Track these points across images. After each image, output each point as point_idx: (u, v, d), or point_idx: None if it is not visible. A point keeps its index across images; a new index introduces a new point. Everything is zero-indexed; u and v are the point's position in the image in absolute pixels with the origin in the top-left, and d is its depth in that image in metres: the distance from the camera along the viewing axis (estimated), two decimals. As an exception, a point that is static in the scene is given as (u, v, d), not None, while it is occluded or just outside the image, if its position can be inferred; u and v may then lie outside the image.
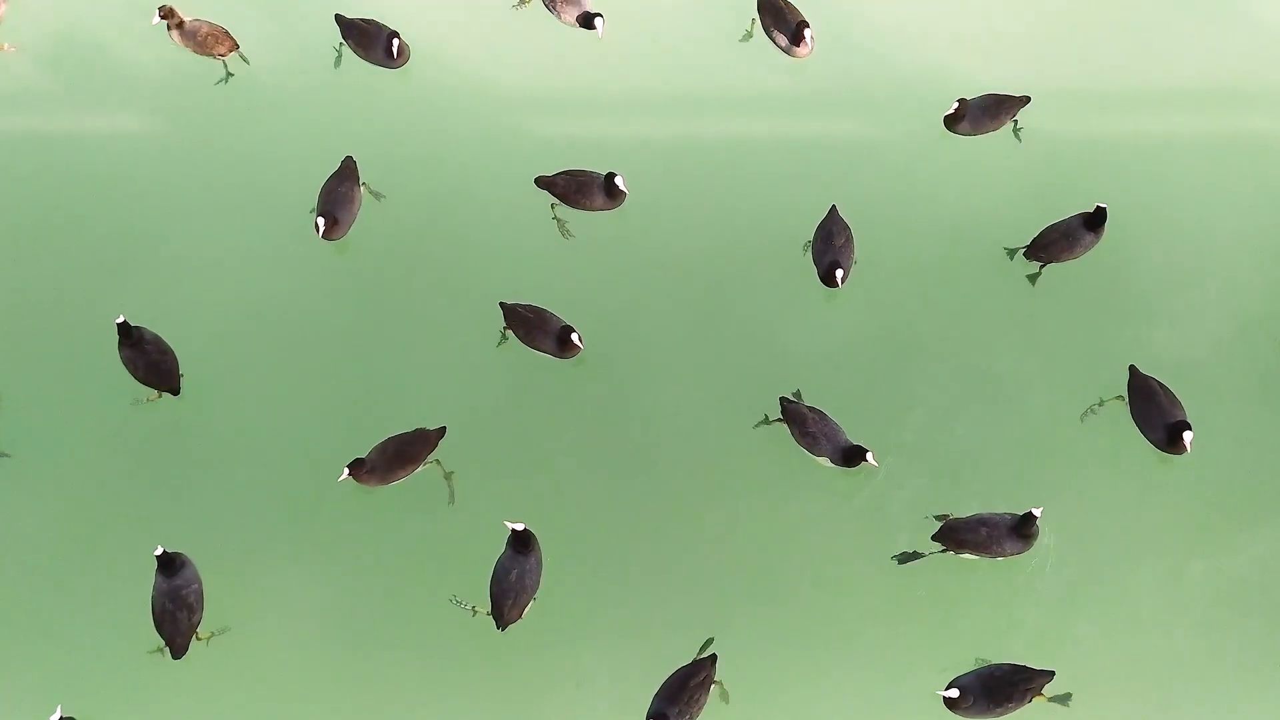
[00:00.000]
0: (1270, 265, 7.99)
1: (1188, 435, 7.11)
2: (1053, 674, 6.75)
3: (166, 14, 8.31)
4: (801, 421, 7.33)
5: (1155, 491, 7.43)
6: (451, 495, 7.44)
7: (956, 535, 7.10)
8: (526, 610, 7.02)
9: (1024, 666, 6.79)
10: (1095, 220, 7.73)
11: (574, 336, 7.47)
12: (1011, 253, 7.92)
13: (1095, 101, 8.45)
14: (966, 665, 6.93)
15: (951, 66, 8.47)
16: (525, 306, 7.63)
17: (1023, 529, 7.02)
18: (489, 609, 7.02)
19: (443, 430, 7.39)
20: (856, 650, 7.17)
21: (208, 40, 8.40)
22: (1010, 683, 6.72)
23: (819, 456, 7.30)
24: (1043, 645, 7.11)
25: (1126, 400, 7.44)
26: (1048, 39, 8.61)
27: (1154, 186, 8.18)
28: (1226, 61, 8.53)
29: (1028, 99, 8.11)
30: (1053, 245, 7.78)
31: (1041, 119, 8.25)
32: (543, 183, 8.02)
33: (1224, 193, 8.17)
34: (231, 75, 8.48)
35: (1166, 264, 7.99)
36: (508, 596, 6.94)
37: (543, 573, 7.06)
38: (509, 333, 7.71)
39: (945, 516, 7.23)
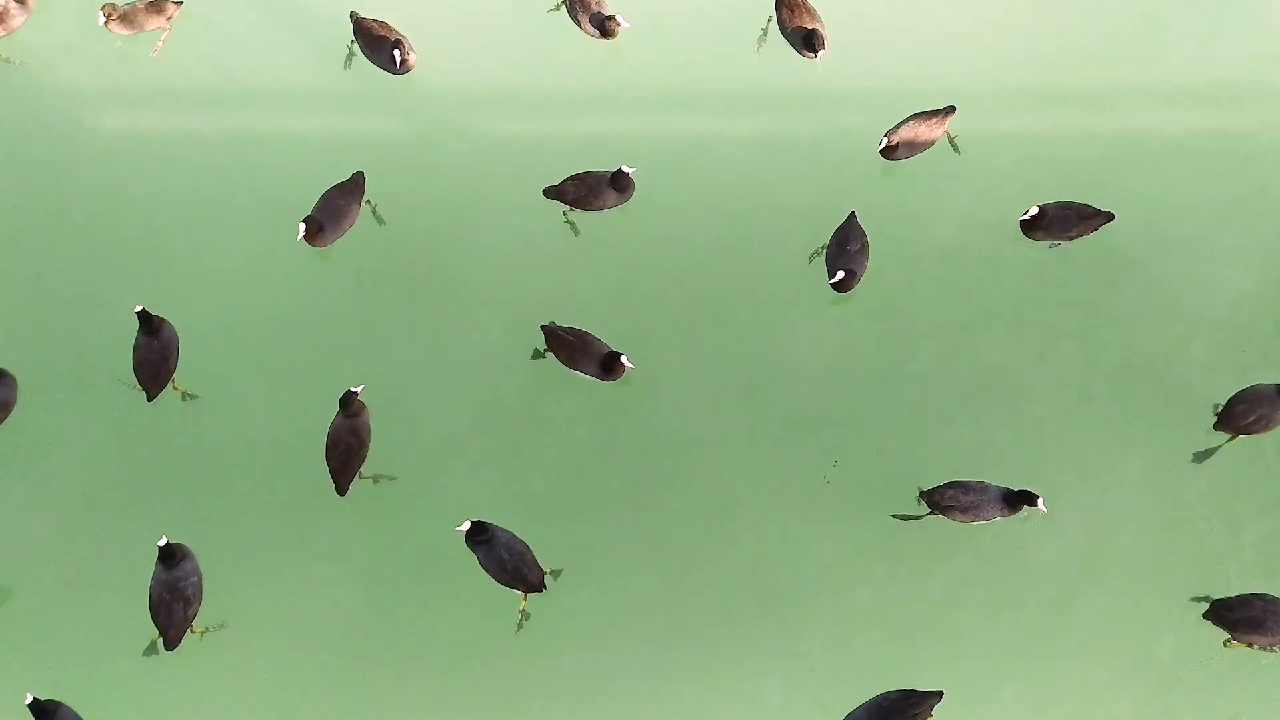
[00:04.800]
0: (1267, 263, 8.08)
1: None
2: (941, 694, 6.81)
3: (110, 12, 8.32)
4: (957, 503, 7.22)
5: (1158, 498, 7.53)
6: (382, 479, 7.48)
7: (1227, 615, 7.05)
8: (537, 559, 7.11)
9: (912, 691, 6.83)
10: (1032, 224, 7.79)
11: (623, 359, 7.39)
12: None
13: (1101, 101, 8.52)
14: (971, 674, 7.10)
15: (951, 67, 8.55)
16: (566, 329, 7.58)
17: None
18: (524, 597, 7.14)
19: (339, 489, 7.28)
20: (862, 658, 7.21)
21: (151, 10, 8.39)
22: (899, 710, 6.77)
23: (989, 520, 7.22)
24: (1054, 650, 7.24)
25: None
26: (1060, 39, 8.68)
27: (1157, 185, 8.26)
28: (1225, 61, 8.63)
29: (953, 108, 8.11)
30: (1053, 225, 7.82)
31: (1053, 119, 8.38)
32: (551, 193, 7.97)
33: (1224, 191, 8.26)
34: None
35: (1166, 261, 8.07)
36: (520, 571, 7.01)
37: (535, 556, 7.09)
38: (548, 353, 7.66)
39: None
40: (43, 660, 7.08)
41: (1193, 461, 7.57)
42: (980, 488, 7.22)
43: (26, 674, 6.98)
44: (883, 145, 7.94)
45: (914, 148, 8.04)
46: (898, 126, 8.00)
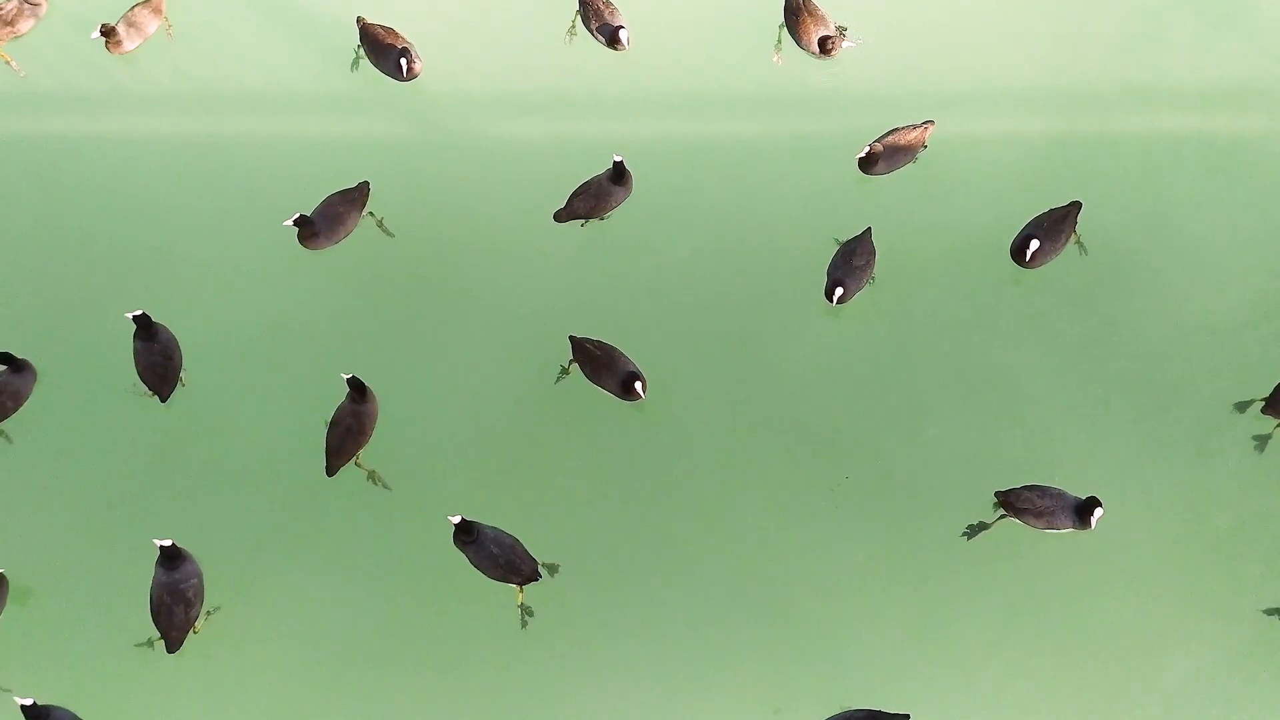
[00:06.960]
0: (1266, 265, 8.11)
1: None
2: (907, 717, 6.74)
3: (108, 31, 8.33)
4: (1032, 506, 7.16)
5: (1161, 505, 7.54)
6: (379, 481, 7.51)
7: None
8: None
9: (879, 712, 6.78)
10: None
11: (638, 385, 7.36)
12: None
13: (1105, 104, 8.54)
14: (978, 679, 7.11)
15: (953, 72, 8.58)
16: (594, 343, 7.53)
17: None
18: (520, 591, 7.19)
19: (329, 469, 7.36)
20: (862, 667, 7.21)
21: (148, 10, 8.44)
22: None
23: (1061, 529, 7.16)
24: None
25: None
26: (1061, 43, 8.70)
27: (1161, 187, 8.28)
28: (1227, 63, 8.65)
29: (931, 122, 8.15)
30: (1046, 242, 7.77)
31: (1053, 123, 8.42)
32: (563, 215, 7.97)
33: (1227, 192, 8.28)
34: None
35: (1169, 263, 8.09)
36: (513, 562, 7.04)
37: (525, 547, 7.13)
38: (573, 366, 7.65)
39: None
40: (42, 660, 7.06)
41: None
42: (1057, 493, 7.17)
43: (25, 673, 6.96)
44: (863, 154, 7.96)
45: (893, 161, 8.07)
46: (879, 140, 8.04)
